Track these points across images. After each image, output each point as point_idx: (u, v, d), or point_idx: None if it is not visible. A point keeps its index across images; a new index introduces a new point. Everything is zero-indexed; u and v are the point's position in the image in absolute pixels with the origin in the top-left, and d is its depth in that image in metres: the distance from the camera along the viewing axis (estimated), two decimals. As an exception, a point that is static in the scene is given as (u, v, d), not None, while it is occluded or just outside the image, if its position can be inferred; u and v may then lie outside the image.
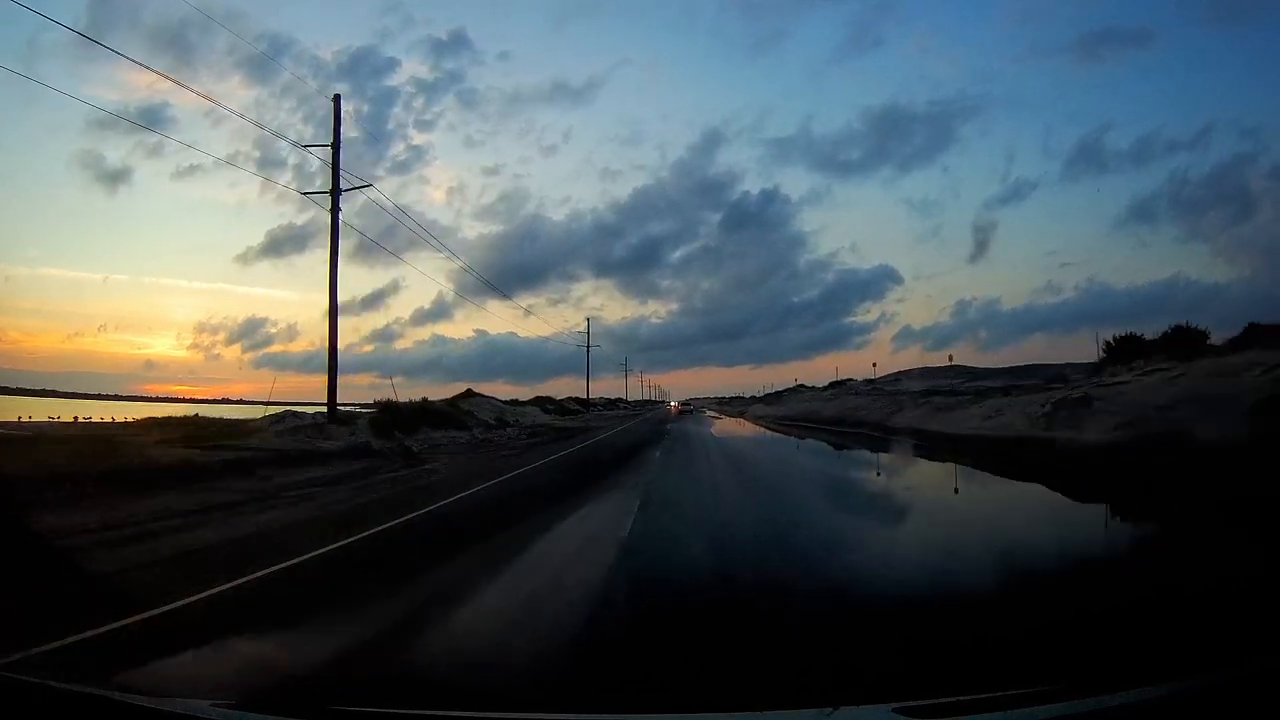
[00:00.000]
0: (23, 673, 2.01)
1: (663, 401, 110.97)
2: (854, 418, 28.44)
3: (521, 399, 59.19)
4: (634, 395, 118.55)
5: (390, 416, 26.09)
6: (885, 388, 41.12)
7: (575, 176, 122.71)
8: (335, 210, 21.78)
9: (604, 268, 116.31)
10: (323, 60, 75.79)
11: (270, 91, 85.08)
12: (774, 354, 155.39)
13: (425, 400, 31.03)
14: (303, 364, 77.33)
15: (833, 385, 53.34)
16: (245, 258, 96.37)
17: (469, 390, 49.58)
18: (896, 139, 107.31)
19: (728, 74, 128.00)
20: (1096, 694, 1.67)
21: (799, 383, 72.53)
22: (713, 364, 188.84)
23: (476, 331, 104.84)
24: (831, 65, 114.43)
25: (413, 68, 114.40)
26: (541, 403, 62.08)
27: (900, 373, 47.78)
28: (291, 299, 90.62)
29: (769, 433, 30.37)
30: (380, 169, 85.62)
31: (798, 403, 48.31)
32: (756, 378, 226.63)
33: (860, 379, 52.23)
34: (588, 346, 66.22)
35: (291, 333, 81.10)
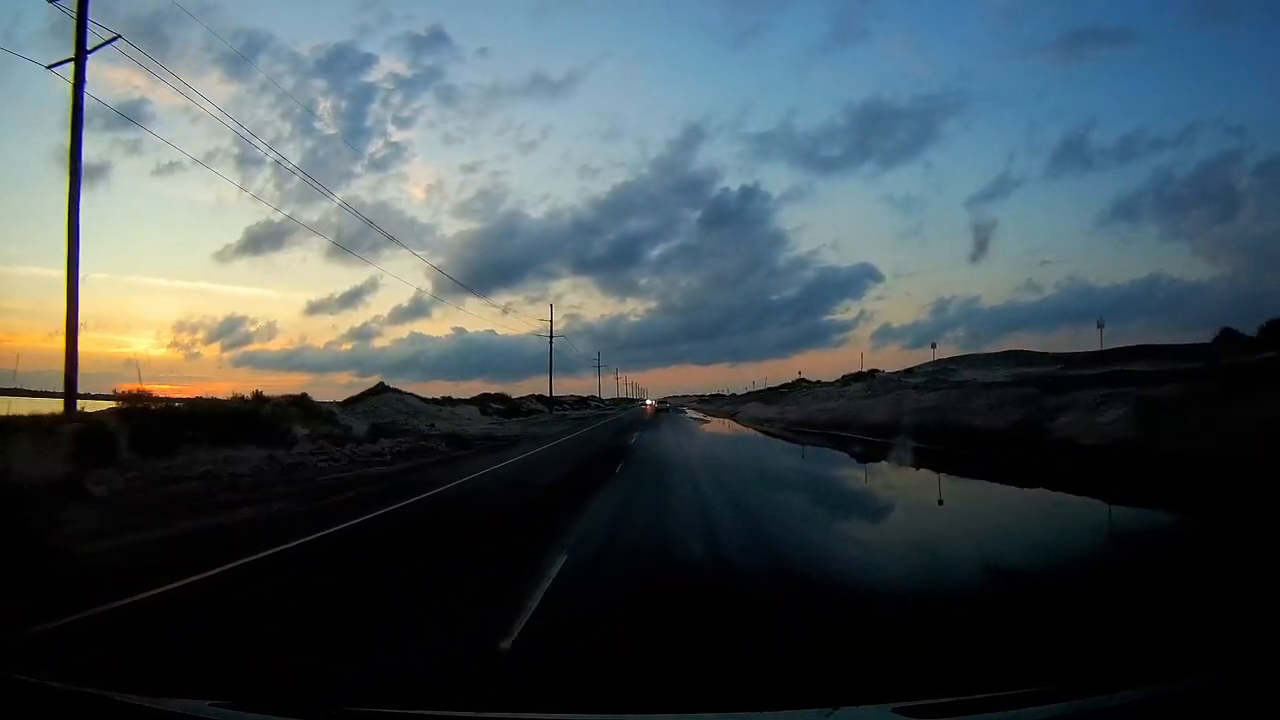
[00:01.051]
0: (22, 673, 1.74)
1: (639, 400, 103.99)
2: (945, 424, 16.83)
3: (460, 396, 49.03)
4: (614, 393, 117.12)
5: (133, 424, 14.83)
6: (946, 379, 29.86)
7: (554, 173, 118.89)
8: (79, 81, 13.98)
9: (583, 265, 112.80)
10: (300, 56, 76.32)
11: (249, 88, 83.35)
12: (752, 352, 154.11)
13: (234, 399, 18.86)
14: (281, 362, 75.83)
15: (857, 377, 41.62)
16: (224, 255, 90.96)
17: (380, 385, 38.39)
18: (879, 134, 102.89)
19: (709, 67, 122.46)
20: (1096, 694, 1.63)
21: (801, 376, 61.05)
22: (690, 362, 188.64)
23: (455, 329, 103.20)
24: (815, 58, 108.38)
25: (390, 64, 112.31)
26: (485, 402, 49.82)
27: (949, 360, 37.39)
28: (271, 297, 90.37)
29: (837, 456, 16.29)
30: (359, 166, 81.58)
31: (812, 401, 35.72)
32: (733, 376, 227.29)
33: (891, 370, 41.38)
34: (550, 336, 55.63)
35: (270, 331, 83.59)
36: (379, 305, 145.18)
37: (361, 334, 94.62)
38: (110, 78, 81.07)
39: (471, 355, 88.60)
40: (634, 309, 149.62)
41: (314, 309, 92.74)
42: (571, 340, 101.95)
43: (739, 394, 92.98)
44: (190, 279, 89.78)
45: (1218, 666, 1.67)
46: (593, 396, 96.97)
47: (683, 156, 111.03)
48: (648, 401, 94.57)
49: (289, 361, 76.47)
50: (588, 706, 2.79)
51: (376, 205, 78.94)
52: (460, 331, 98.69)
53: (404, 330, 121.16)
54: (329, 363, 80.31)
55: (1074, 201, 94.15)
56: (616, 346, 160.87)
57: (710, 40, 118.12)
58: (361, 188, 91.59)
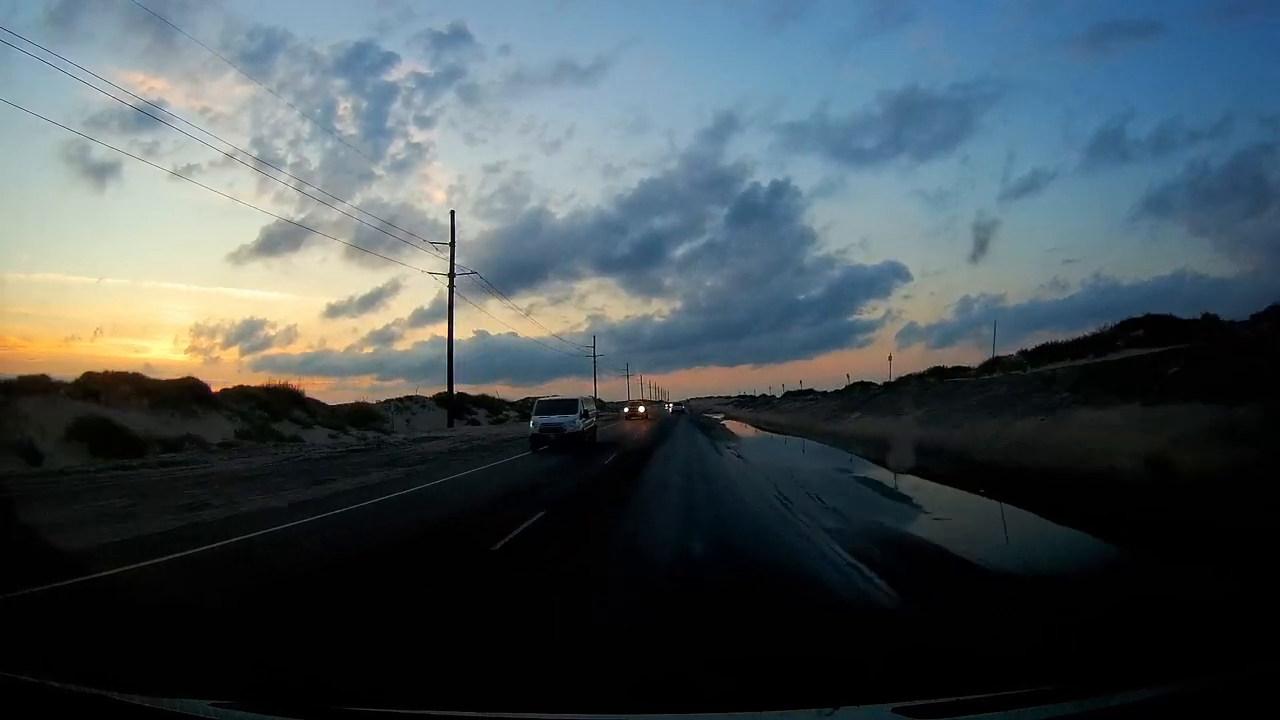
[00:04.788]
0: (22, 672, 1.68)
1: (656, 403, 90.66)
2: None
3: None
4: (630, 396, 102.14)
5: None
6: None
7: (579, 170, 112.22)
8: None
9: (607, 265, 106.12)
10: (319, 55, 79.13)
11: (266, 87, 77.80)
12: (775, 354, 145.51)
13: None
14: (302, 366, 77.07)
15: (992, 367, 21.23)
16: (240, 257, 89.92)
17: None
18: (913, 125, 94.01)
19: (741, 54, 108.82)
20: (1097, 694, 1.62)
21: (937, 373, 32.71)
22: (714, 364, 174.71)
23: (476, 332, 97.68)
24: (853, 42, 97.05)
25: (411, 63, 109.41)
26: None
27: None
28: (289, 300, 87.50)
29: None
30: (379, 167, 74.87)
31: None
32: (757, 377, 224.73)
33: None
34: (450, 287, 31.09)
35: (290, 335, 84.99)
36: (399, 308, 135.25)
37: (382, 337, 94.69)
38: (122, 77, 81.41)
39: (494, 358, 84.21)
40: (659, 309, 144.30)
41: (334, 311, 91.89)
42: (590, 339, 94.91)
43: (773, 396, 77.56)
44: (209, 283, 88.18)
45: (1220, 669, 1.64)
46: (588, 398, 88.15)
47: (712, 150, 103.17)
48: (671, 403, 76.57)
49: (310, 365, 74.29)
50: (587, 707, 2.66)
51: (398, 206, 76.43)
52: (482, 334, 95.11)
53: (425, 333, 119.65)
54: (350, 366, 78.65)
55: (1103, 197, 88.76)
56: (642, 348, 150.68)
57: (743, 24, 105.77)
58: (383, 189, 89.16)
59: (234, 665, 3.24)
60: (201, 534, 6.97)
